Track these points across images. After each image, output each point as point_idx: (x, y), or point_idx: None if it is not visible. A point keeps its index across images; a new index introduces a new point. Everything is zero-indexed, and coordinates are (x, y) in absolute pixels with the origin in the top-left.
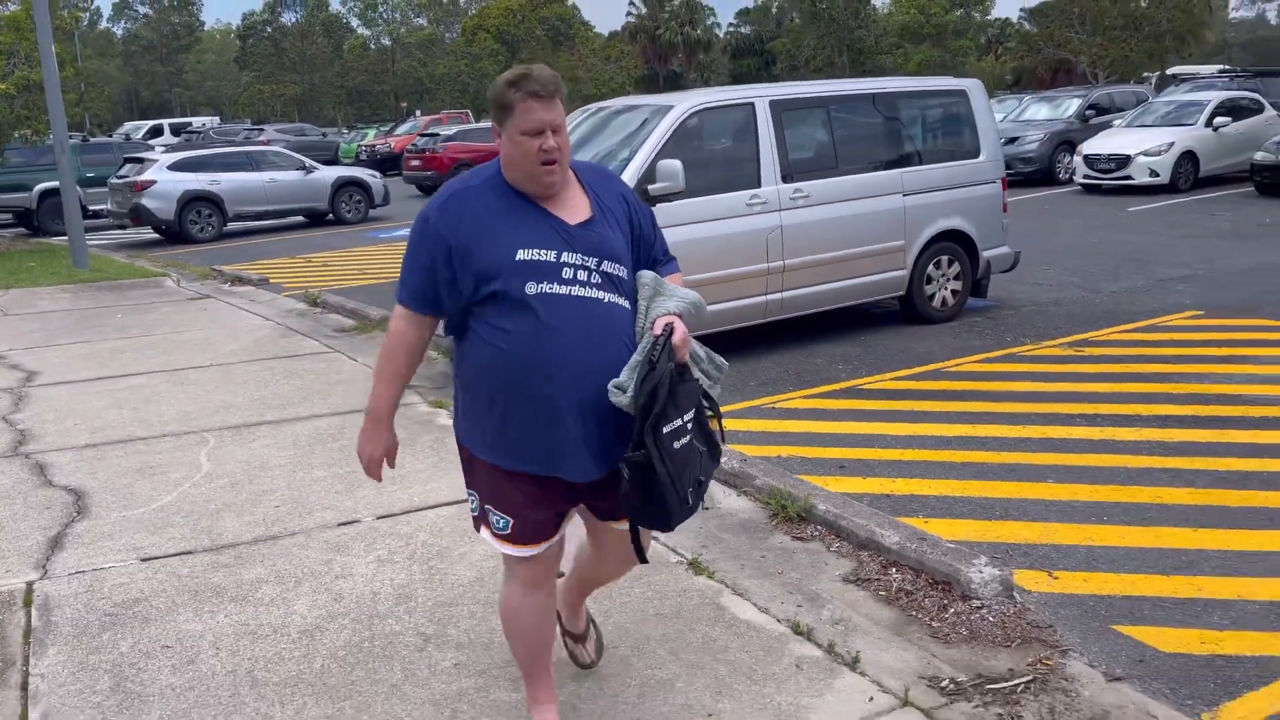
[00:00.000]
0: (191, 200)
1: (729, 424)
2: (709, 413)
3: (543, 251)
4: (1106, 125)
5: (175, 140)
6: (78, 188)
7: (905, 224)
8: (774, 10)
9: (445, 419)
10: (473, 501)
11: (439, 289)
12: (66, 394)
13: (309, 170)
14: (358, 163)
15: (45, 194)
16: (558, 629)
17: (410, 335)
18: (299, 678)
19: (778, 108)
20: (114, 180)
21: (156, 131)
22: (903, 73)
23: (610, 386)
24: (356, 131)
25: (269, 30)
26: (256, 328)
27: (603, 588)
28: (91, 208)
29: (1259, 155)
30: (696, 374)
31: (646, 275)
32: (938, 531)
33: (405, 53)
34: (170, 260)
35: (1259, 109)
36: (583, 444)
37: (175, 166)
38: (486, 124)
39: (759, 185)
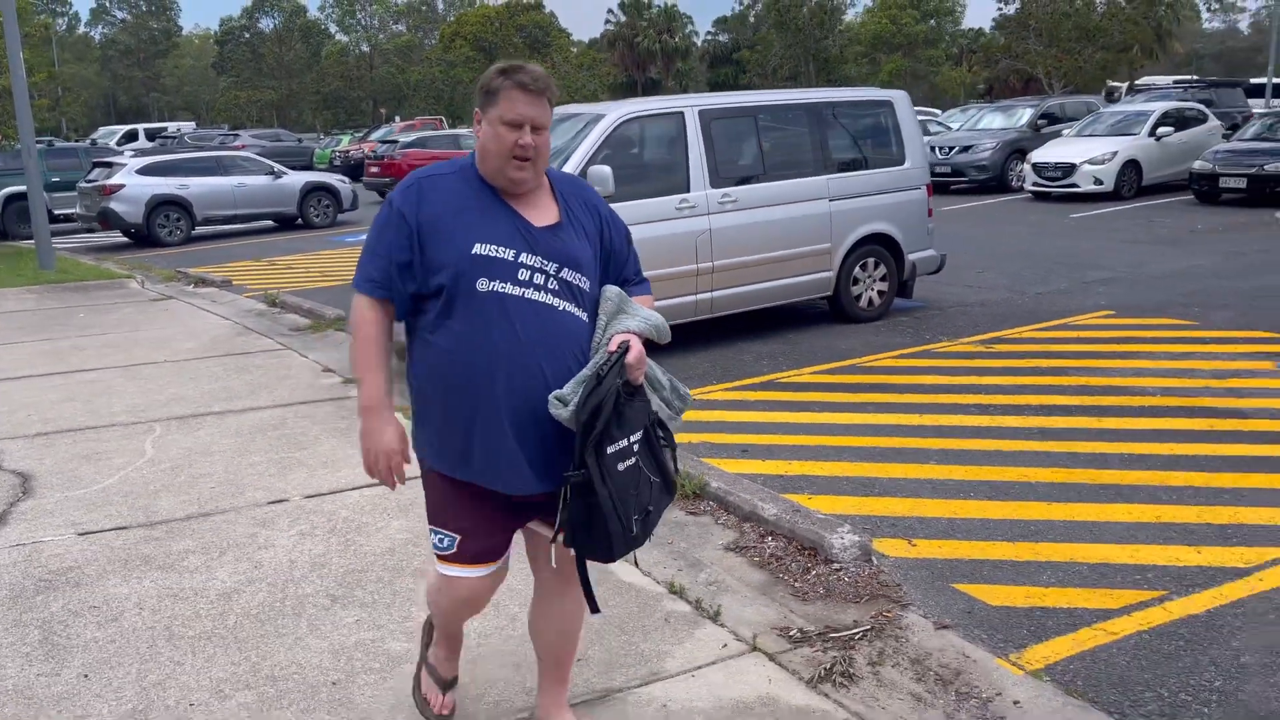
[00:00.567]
0: (160, 204)
1: None
2: (664, 443)
3: (501, 249)
4: (1057, 134)
5: (149, 145)
6: (44, 192)
7: (831, 228)
8: (751, 19)
9: None
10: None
11: (392, 271)
12: (22, 388)
13: (278, 175)
14: (331, 168)
15: (9, 199)
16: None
17: (377, 318)
18: (213, 632)
19: (707, 117)
20: (83, 184)
21: (132, 136)
22: (872, 82)
23: (551, 397)
24: (331, 137)
25: (247, 36)
26: (214, 327)
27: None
28: (57, 211)
29: (1197, 164)
30: (656, 402)
31: (611, 290)
32: (818, 507)
33: (384, 59)
34: (137, 263)
35: (1203, 119)
36: (522, 456)
37: (144, 171)
38: (447, 130)
39: (688, 190)
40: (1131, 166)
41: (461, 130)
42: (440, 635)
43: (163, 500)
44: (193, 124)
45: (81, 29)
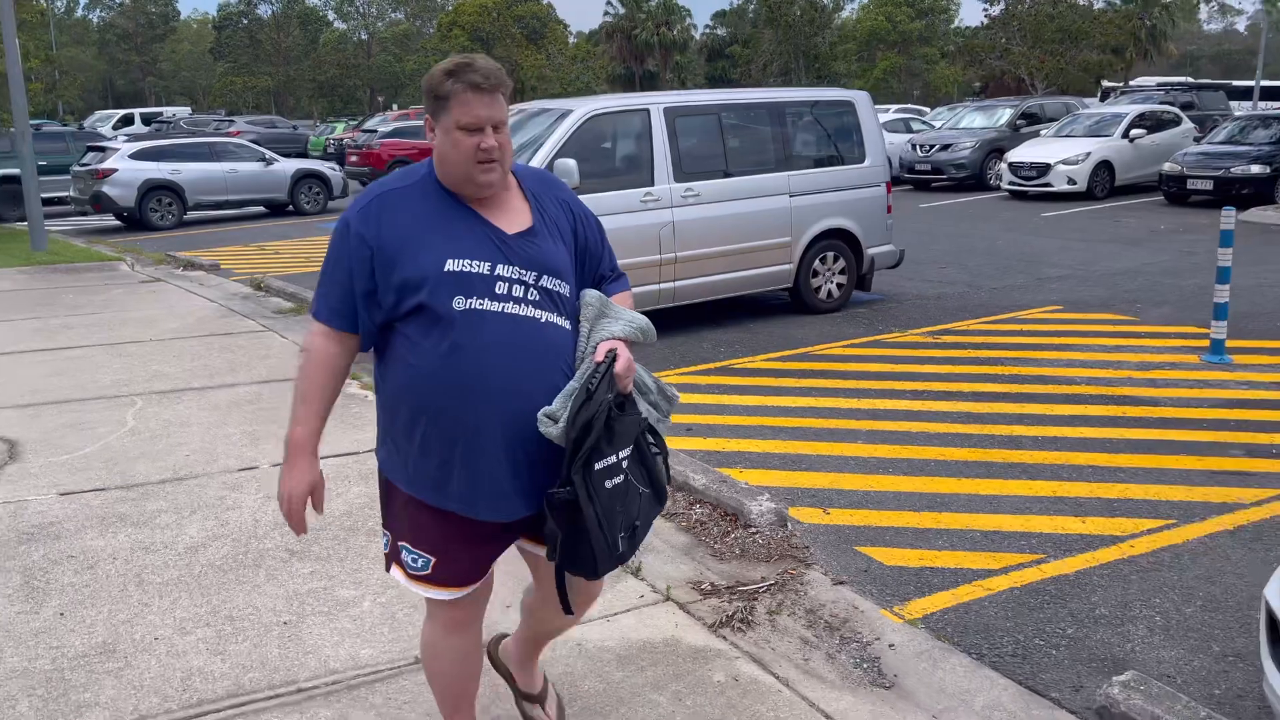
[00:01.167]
0: (152, 189)
1: None
2: (654, 449)
3: (474, 263)
4: (1036, 134)
5: (145, 130)
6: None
7: (791, 222)
8: (750, 14)
9: (355, 387)
10: (385, 540)
11: (357, 302)
12: (11, 363)
13: (269, 162)
14: (325, 155)
15: None
16: (514, 694)
17: (330, 352)
18: (179, 580)
19: (671, 114)
20: (76, 167)
21: (128, 120)
22: (865, 79)
23: (540, 415)
24: (326, 125)
25: (245, 22)
26: (200, 308)
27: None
28: (43, 194)
29: (1166, 166)
30: (644, 407)
31: (591, 294)
32: (746, 479)
33: (381, 47)
34: (128, 246)
35: (1177, 121)
36: (508, 479)
37: (137, 155)
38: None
39: (652, 184)
40: (1104, 167)
41: None
42: (448, 711)
43: (140, 466)
44: (189, 109)
45: (80, 12)
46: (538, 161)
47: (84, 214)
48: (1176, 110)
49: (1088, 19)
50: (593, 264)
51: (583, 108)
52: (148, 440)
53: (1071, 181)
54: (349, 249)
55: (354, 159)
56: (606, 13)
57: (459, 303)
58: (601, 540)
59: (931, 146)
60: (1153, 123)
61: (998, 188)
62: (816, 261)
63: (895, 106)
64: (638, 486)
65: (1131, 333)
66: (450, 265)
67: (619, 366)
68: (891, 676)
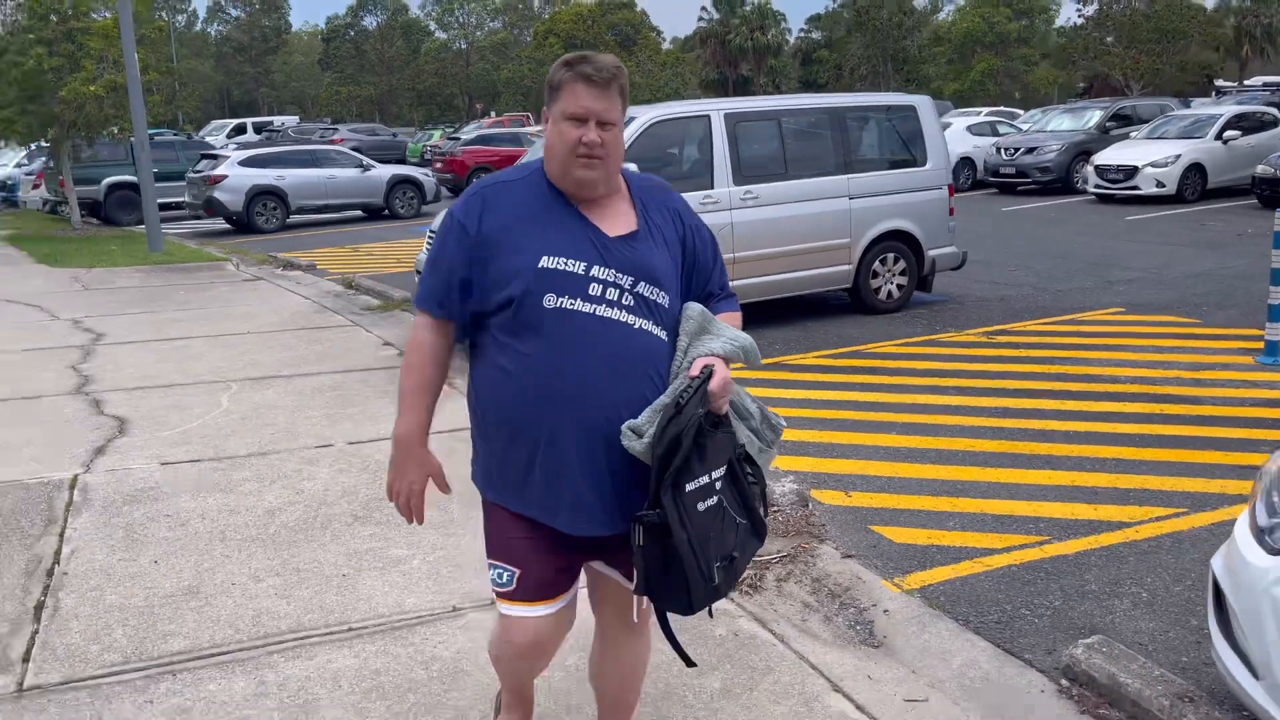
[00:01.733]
0: (258, 194)
1: None
2: (751, 480)
3: (570, 261)
4: (1126, 136)
5: (256, 138)
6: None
7: (851, 224)
8: (845, 17)
9: None
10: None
11: (457, 291)
12: (125, 351)
13: (366, 168)
14: (422, 161)
15: (112, 187)
16: None
17: (433, 342)
18: (257, 537)
19: (732, 119)
20: (191, 174)
21: (240, 130)
22: (963, 81)
23: (624, 428)
24: (424, 132)
25: (351, 33)
26: (296, 305)
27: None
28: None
29: (1260, 169)
30: (744, 435)
31: (694, 308)
32: (778, 464)
33: (479, 56)
34: (235, 247)
35: (1274, 123)
36: (588, 493)
37: (245, 163)
38: (508, 129)
39: (712, 187)
40: (1195, 170)
41: (529, 128)
42: (509, 698)
43: (231, 441)
44: (297, 118)
45: (199, 26)
46: None
47: (197, 218)
48: (1275, 111)
49: (1185, 18)
50: (701, 279)
51: (646, 114)
52: (239, 420)
53: (1160, 184)
54: (451, 238)
55: (438, 165)
56: (701, 18)
57: (550, 300)
58: (695, 569)
59: (1016, 150)
60: (1251, 124)
61: (1084, 191)
62: (876, 263)
63: (987, 109)
64: (733, 515)
65: (1190, 334)
66: (545, 262)
67: (714, 384)
68: (881, 638)
